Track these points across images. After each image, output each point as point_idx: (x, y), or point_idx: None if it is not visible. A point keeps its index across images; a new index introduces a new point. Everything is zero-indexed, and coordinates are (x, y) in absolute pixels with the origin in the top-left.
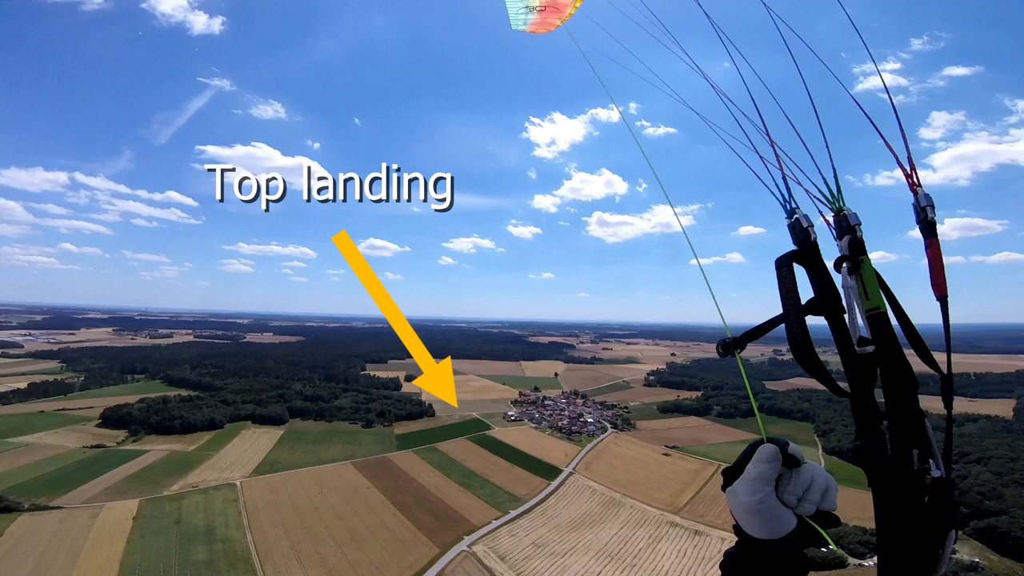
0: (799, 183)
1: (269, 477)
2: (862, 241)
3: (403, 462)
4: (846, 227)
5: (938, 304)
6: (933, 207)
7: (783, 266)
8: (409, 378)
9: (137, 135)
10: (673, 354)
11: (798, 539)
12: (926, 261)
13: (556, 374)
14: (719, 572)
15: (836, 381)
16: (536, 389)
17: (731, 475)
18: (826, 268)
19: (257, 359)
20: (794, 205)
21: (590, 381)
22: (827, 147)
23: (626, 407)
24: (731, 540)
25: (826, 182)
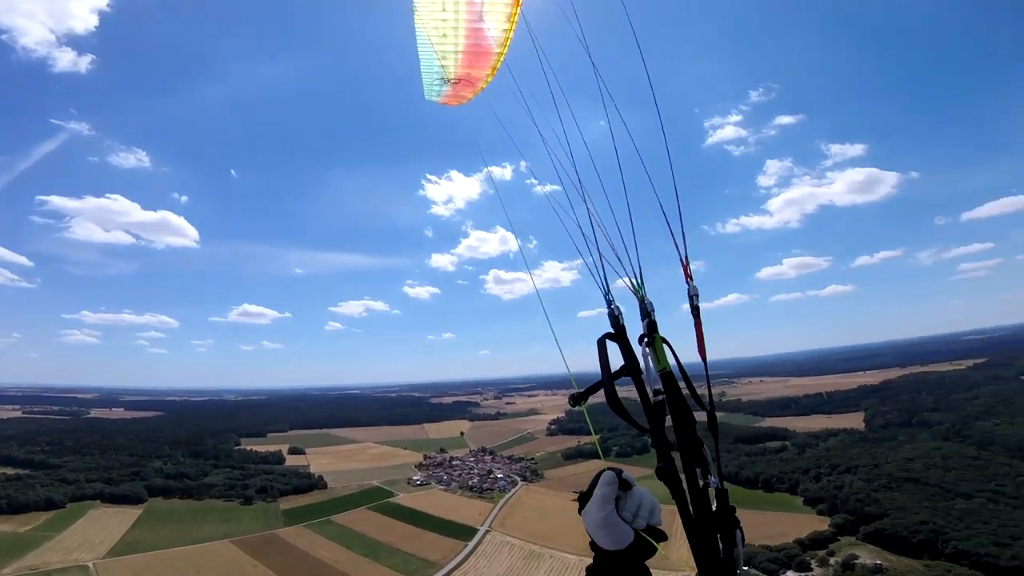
0: (619, 276)
1: (130, 558)
2: (655, 323)
3: (294, 537)
4: (644, 313)
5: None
6: (698, 296)
7: (600, 344)
8: (294, 451)
9: None
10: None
11: (637, 549)
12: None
13: (462, 433)
14: None
15: (638, 423)
16: (442, 450)
17: (584, 499)
18: (630, 344)
19: (104, 435)
20: (611, 297)
21: (496, 436)
22: (636, 247)
23: (532, 458)
24: None
25: (635, 275)
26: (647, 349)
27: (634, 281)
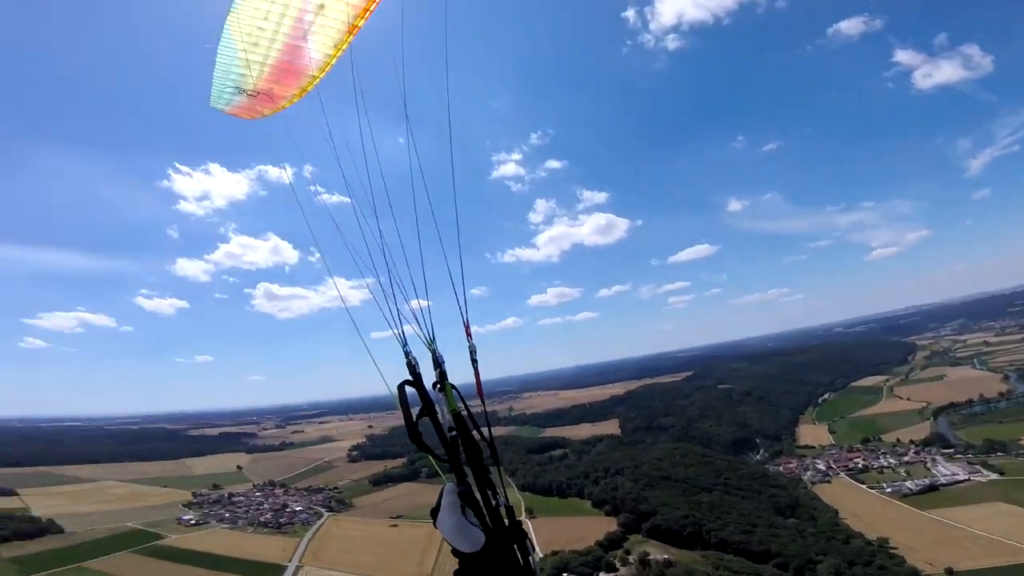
0: (415, 332)
1: None
2: (445, 373)
3: None
4: (436, 364)
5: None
6: (475, 351)
7: (400, 389)
8: (5, 492)
9: None
10: (370, 426)
11: (493, 550)
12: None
13: (239, 467)
14: None
15: (437, 454)
16: (216, 486)
17: (435, 512)
18: (425, 389)
19: None
20: (408, 348)
21: (285, 469)
22: (429, 310)
23: (336, 487)
24: None
25: (428, 332)
26: (440, 394)
27: (427, 337)
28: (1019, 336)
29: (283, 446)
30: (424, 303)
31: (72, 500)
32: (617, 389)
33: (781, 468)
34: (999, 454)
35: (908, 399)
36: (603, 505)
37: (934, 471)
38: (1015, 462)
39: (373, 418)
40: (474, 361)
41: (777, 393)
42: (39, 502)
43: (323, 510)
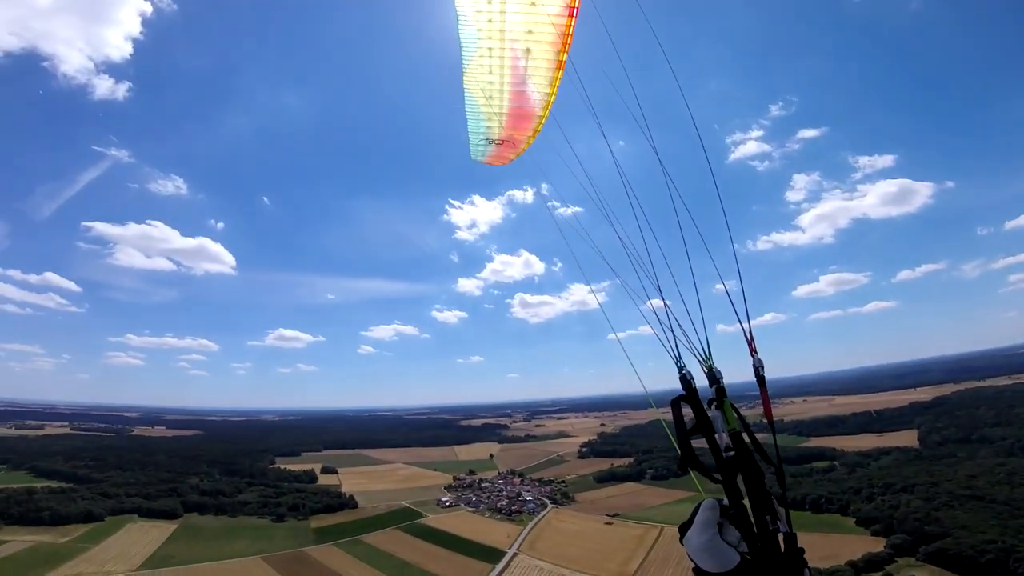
0: (687, 347)
1: (160, 572)
2: (723, 389)
3: (324, 556)
4: (712, 380)
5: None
6: (763, 366)
7: (674, 406)
8: (326, 470)
9: (15, 207)
10: (602, 424)
11: (742, 572)
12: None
13: (491, 455)
14: None
15: (712, 475)
16: (471, 472)
17: (684, 528)
18: (702, 406)
19: (146, 452)
20: (682, 363)
21: (526, 459)
22: (703, 324)
23: (563, 481)
24: None
25: (704, 347)
26: (717, 412)
27: (703, 353)
28: None
29: (527, 438)
30: (666, 303)
31: (372, 479)
32: (921, 394)
33: None
34: None
35: None
36: (871, 524)
37: None
38: None
39: (606, 416)
40: (761, 380)
41: None
42: (350, 480)
43: (548, 501)
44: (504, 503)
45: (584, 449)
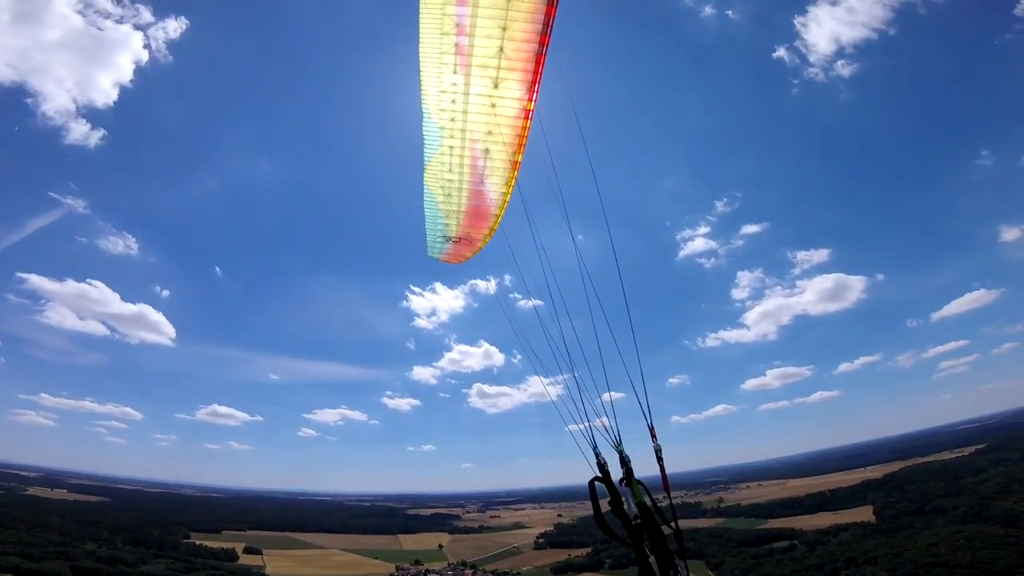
0: (599, 432)
1: None
2: (631, 470)
3: None
4: (623, 461)
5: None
6: (661, 450)
7: (591, 486)
8: (249, 550)
9: None
10: (559, 515)
11: None
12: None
13: (440, 546)
14: None
15: (623, 540)
16: (417, 562)
17: None
18: (614, 484)
19: (37, 513)
20: (598, 449)
21: (479, 550)
22: (615, 419)
23: (518, 573)
24: None
25: (616, 436)
26: (627, 488)
27: (615, 439)
28: None
29: (480, 529)
30: (612, 397)
31: (301, 563)
32: (871, 473)
33: None
34: None
35: None
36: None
37: None
38: None
39: (563, 507)
40: (659, 460)
41: None
42: (275, 563)
43: None
44: None
45: (540, 540)
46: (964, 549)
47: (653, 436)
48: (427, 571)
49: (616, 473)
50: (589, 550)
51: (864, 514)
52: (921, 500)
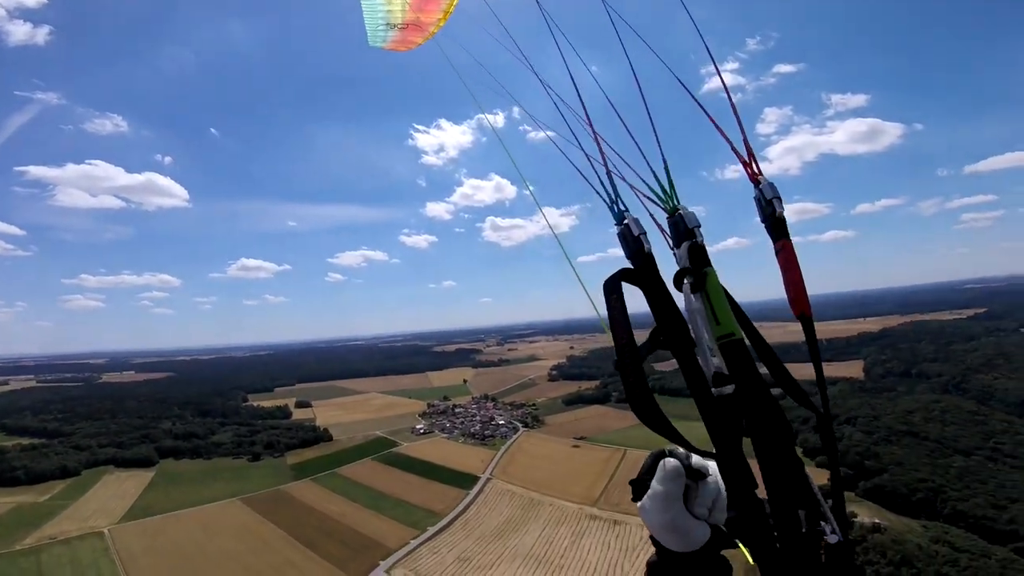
0: (624, 179)
1: (143, 522)
2: (704, 248)
3: (301, 492)
4: (684, 231)
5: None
6: (781, 200)
7: (611, 292)
8: (300, 404)
9: None
10: (572, 347)
11: (714, 546)
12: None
13: (465, 381)
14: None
15: (676, 434)
16: (445, 398)
17: (638, 488)
18: (665, 287)
19: (115, 400)
20: (622, 207)
21: (499, 383)
22: (656, 138)
23: (534, 404)
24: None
25: (657, 178)
26: (694, 298)
27: (660, 186)
28: None
29: (500, 362)
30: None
31: (346, 411)
32: (870, 324)
33: None
34: None
35: None
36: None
37: None
38: None
39: (575, 339)
40: (777, 221)
41: None
42: (324, 413)
43: (520, 425)
44: (477, 428)
45: (554, 372)
46: (936, 421)
47: (755, 174)
48: (454, 406)
49: (666, 264)
50: (598, 383)
51: (855, 369)
52: (911, 361)
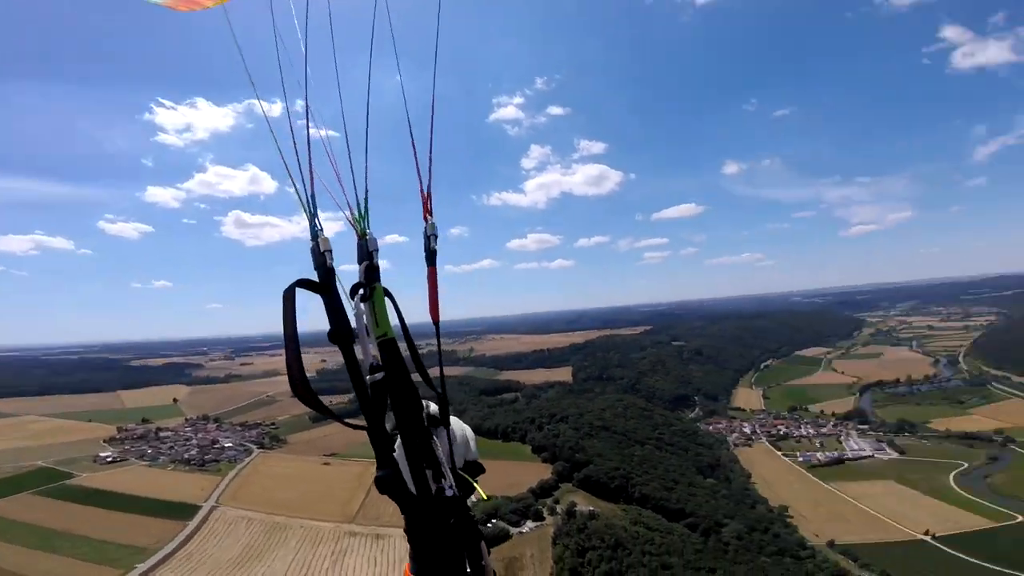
0: (334, 198)
1: None
2: (377, 268)
3: None
4: (365, 253)
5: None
6: (436, 237)
7: (288, 297)
8: None
9: None
10: (323, 360)
11: (461, 492)
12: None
13: (175, 400)
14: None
15: (338, 415)
16: (145, 421)
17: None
18: (339, 296)
19: None
20: (318, 228)
21: (225, 402)
22: (366, 162)
23: (273, 423)
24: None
25: (359, 203)
26: (363, 305)
27: (354, 211)
28: (960, 324)
29: (228, 378)
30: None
31: None
32: (579, 337)
33: (711, 428)
34: (907, 434)
35: (843, 373)
36: (542, 452)
37: (845, 445)
38: (918, 444)
39: (328, 352)
40: (431, 252)
41: (726, 355)
42: None
43: (254, 447)
44: (195, 453)
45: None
46: (621, 416)
47: (427, 210)
48: (159, 429)
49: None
50: (351, 396)
51: (566, 374)
52: (604, 367)
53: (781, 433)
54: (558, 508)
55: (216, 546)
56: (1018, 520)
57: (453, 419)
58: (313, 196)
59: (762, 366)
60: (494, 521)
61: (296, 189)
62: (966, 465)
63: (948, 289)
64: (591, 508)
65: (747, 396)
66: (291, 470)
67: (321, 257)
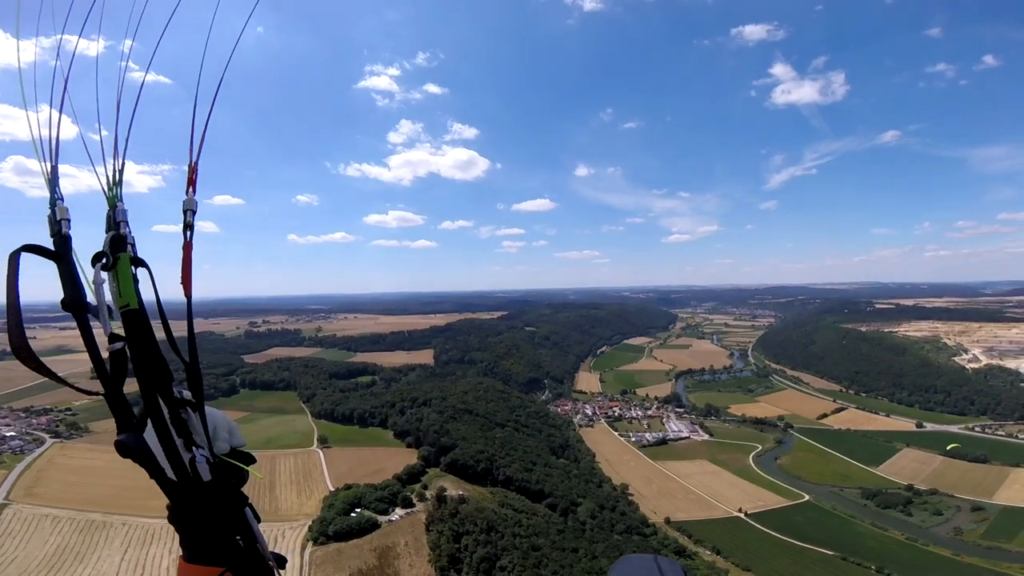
0: (94, 168)
1: None
2: (123, 238)
3: None
4: (113, 223)
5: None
6: (195, 212)
7: (11, 262)
8: None
9: None
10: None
11: (221, 475)
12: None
13: None
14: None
15: (58, 376)
16: None
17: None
18: (72, 265)
19: None
20: (58, 195)
21: (1, 383)
22: (116, 133)
23: (69, 408)
24: None
25: (114, 171)
26: (105, 274)
27: (108, 177)
28: (748, 324)
29: (2, 355)
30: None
31: None
32: (439, 320)
33: (559, 409)
34: (713, 418)
35: (661, 360)
36: (405, 436)
37: (667, 426)
38: (723, 426)
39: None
40: (188, 227)
41: (569, 341)
42: None
43: (46, 436)
44: None
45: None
46: (482, 400)
47: (191, 181)
48: None
49: (87, 243)
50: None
51: (428, 356)
52: (464, 350)
53: (616, 415)
54: (427, 494)
55: (17, 548)
56: (806, 499)
57: (213, 409)
58: (56, 162)
59: (598, 352)
60: (358, 511)
61: (40, 155)
62: (760, 448)
63: (739, 294)
64: (461, 492)
65: (587, 380)
66: (100, 462)
67: (57, 225)
